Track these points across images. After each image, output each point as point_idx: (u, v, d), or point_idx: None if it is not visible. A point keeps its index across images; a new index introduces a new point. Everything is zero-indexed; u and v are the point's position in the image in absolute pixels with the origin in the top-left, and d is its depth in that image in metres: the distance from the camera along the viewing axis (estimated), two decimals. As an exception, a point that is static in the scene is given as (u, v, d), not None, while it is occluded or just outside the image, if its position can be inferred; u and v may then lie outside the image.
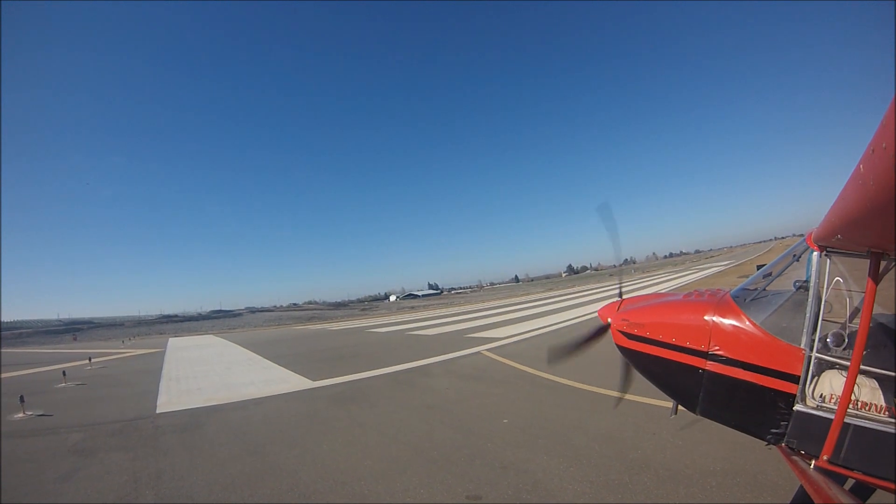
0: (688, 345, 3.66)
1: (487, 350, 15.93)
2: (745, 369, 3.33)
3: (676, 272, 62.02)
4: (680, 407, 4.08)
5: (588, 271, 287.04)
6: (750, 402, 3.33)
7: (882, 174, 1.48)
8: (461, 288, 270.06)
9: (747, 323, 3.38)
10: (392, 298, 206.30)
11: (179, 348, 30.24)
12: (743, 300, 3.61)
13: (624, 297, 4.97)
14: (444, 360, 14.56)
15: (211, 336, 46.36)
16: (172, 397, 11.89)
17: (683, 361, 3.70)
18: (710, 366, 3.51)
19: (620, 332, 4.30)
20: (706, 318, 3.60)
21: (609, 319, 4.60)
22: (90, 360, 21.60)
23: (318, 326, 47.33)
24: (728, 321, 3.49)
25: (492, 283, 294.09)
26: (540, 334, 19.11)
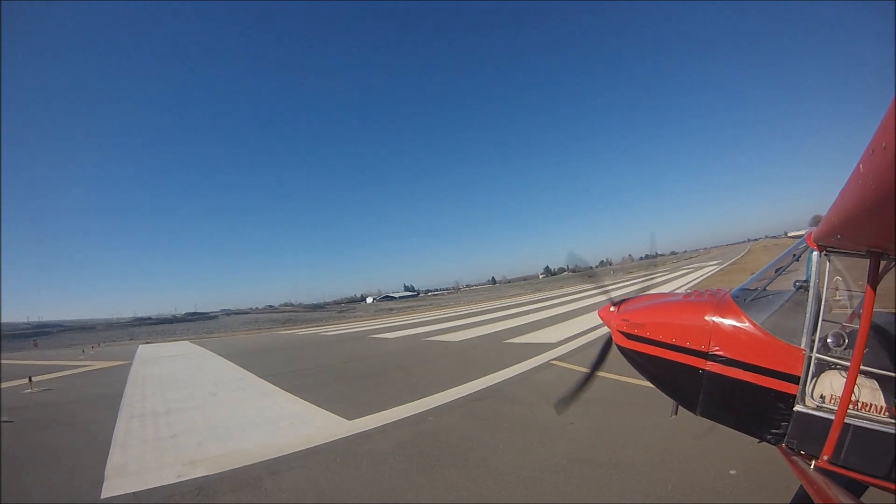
0: (688, 345, 3.56)
1: (555, 359, 12.78)
2: (745, 370, 3.25)
3: (660, 274, 59.27)
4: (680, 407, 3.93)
5: (565, 273, 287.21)
6: (750, 403, 3.25)
7: (882, 174, 1.45)
8: (437, 290, 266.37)
9: (747, 323, 3.30)
10: (369, 300, 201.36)
11: (150, 360, 25.13)
12: (743, 300, 3.51)
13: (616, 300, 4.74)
14: (514, 377, 11.23)
15: (186, 343, 41.01)
16: (130, 461, 7.42)
17: (683, 362, 3.59)
18: (711, 366, 3.42)
19: (621, 332, 4.20)
20: (706, 318, 3.50)
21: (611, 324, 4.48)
22: (30, 379, 16.26)
23: (308, 331, 42.68)
24: (728, 321, 3.40)
25: (468, 285, 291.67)
26: (595, 336, 15.56)
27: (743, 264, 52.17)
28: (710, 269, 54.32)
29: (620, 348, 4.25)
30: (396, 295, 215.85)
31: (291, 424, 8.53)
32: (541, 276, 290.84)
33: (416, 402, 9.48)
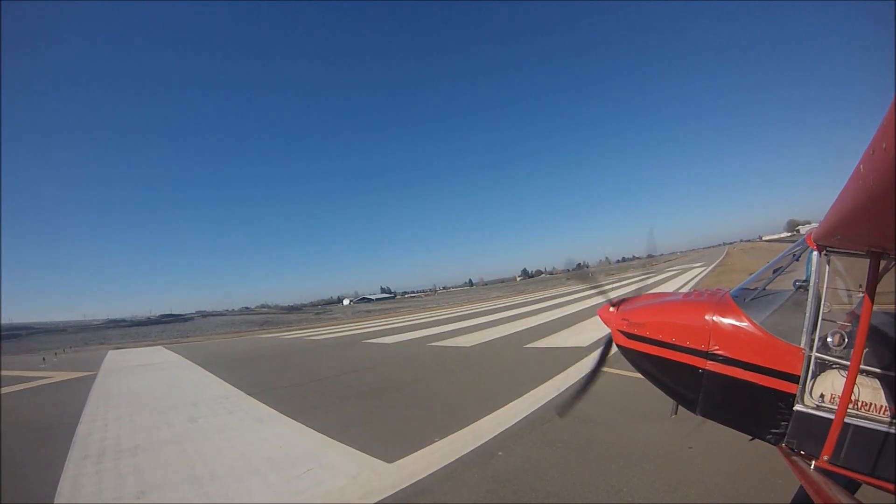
0: (688, 344, 3.53)
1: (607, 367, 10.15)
2: (744, 369, 3.22)
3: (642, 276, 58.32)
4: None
5: (543, 275, 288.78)
6: (750, 402, 3.23)
7: (882, 174, 1.46)
8: (414, 292, 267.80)
9: (747, 323, 3.28)
10: (346, 302, 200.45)
11: (118, 371, 22.07)
12: (743, 300, 3.50)
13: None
14: (568, 389, 9.20)
15: (160, 349, 37.61)
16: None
17: (683, 361, 3.56)
18: (710, 365, 3.39)
19: (621, 331, 4.17)
20: (706, 317, 3.48)
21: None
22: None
23: (292, 335, 39.73)
24: (728, 321, 3.37)
25: (445, 287, 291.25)
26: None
27: (729, 266, 51.60)
28: (696, 270, 53.41)
29: (620, 348, 4.22)
30: (373, 297, 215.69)
31: (309, 472, 6.00)
32: (518, 279, 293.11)
33: (465, 429, 7.40)
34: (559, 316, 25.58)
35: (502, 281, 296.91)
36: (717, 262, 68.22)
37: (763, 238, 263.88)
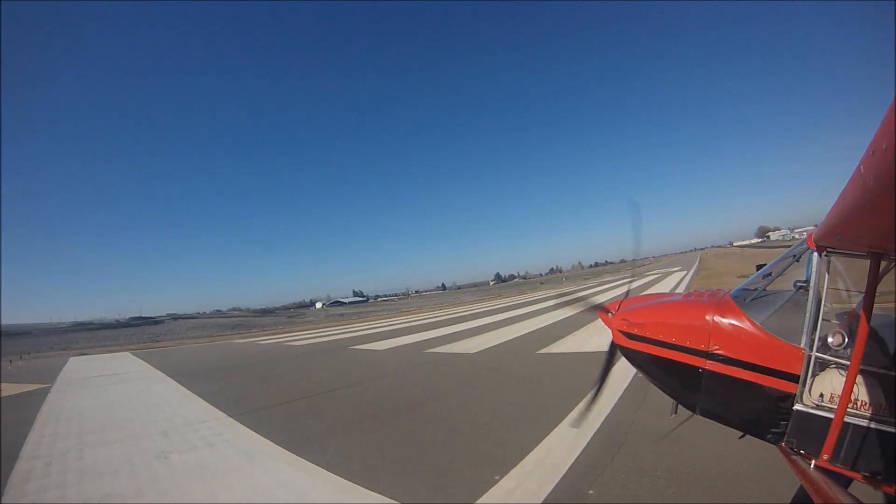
0: (688, 344, 3.52)
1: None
2: (745, 369, 3.22)
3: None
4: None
5: (516, 279, 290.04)
6: (750, 402, 3.23)
7: (882, 175, 1.45)
8: (387, 295, 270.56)
9: (747, 323, 3.29)
10: (318, 305, 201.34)
11: (77, 383, 19.29)
12: (743, 300, 3.52)
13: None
14: (623, 404, 8.10)
15: (127, 356, 34.45)
16: None
17: (683, 361, 3.55)
18: (711, 365, 3.39)
19: (621, 332, 4.14)
20: (706, 317, 3.48)
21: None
22: None
23: (270, 340, 37.28)
24: (728, 321, 3.38)
25: (418, 291, 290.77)
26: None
27: (712, 269, 51.52)
28: (678, 274, 53.24)
29: (620, 348, 4.18)
30: (346, 300, 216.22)
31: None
32: (491, 283, 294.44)
33: (526, 458, 5.90)
34: (562, 318, 24.12)
35: (475, 285, 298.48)
36: (696, 266, 68.49)
37: (734, 244, 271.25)
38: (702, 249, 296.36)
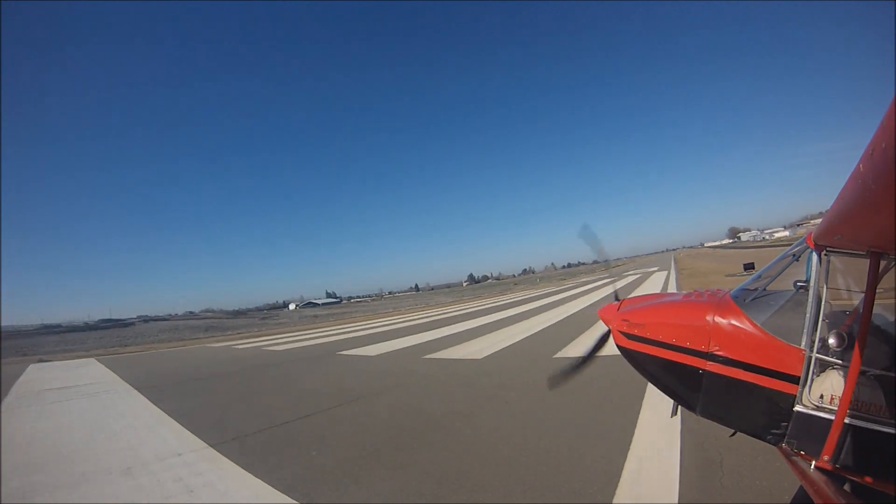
0: (688, 345, 3.49)
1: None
2: (745, 370, 3.19)
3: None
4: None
5: (489, 280, 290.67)
6: (750, 403, 3.19)
7: (882, 174, 1.43)
8: (360, 297, 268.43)
9: (747, 323, 3.26)
10: (292, 307, 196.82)
11: (31, 398, 16.72)
12: (743, 300, 3.49)
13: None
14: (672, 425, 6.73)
15: (93, 363, 31.55)
16: None
17: (683, 362, 3.51)
18: (711, 366, 3.35)
19: (621, 332, 4.13)
20: (706, 318, 3.44)
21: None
22: None
23: (247, 344, 35.19)
24: (728, 321, 3.34)
25: (391, 293, 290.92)
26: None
27: (695, 269, 51.64)
28: (659, 274, 53.14)
29: (620, 348, 4.16)
30: (319, 301, 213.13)
31: None
32: (465, 284, 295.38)
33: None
34: (562, 318, 22.85)
35: (448, 286, 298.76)
36: (673, 266, 68.82)
37: (705, 245, 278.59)
38: (674, 250, 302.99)
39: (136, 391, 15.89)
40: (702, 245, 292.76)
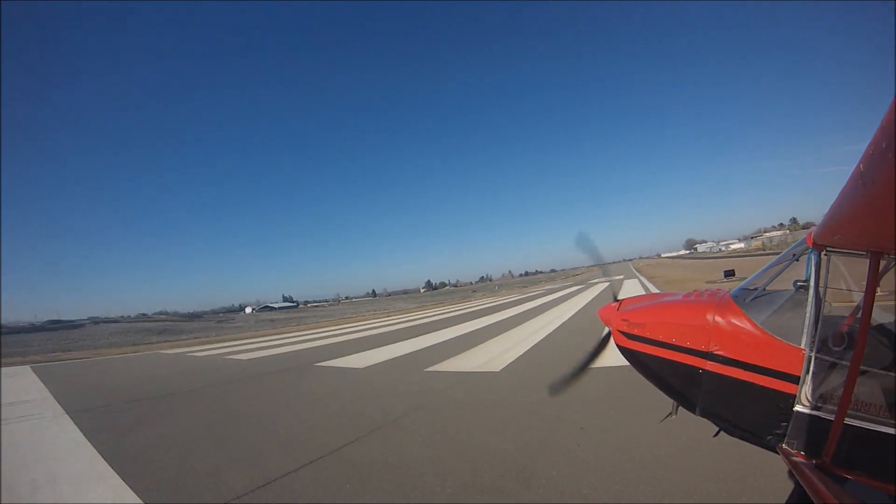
0: (688, 345, 3.43)
1: None
2: (744, 369, 3.14)
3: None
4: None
5: (448, 287, 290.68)
6: (749, 403, 3.13)
7: (882, 174, 1.42)
8: (317, 301, 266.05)
9: (747, 323, 3.21)
10: (248, 310, 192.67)
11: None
12: (743, 300, 3.44)
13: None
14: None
15: (27, 372, 26.97)
16: None
17: (683, 361, 3.45)
18: (710, 366, 3.30)
19: (621, 332, 4.05)
20: (706, 318, 3.39)
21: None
22: None
23: (206, 352, 31.70)
24: (728, 321, 3.29)
25: (348, 297, 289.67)
26: None
27: (662, 277, 51.93)
28: (628, 281, 52.66)
29: (620, 348, 4.11)
30: (276, 305, 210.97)
31: None
32: (422, 291, 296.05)
33: None
34: (560, 323, 21.04)
35: (406, 292, 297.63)
36: (638, 274, 68.91)
37: (661, 255, 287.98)
38: (630, 260, 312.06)
39: (67, 417, 12.27)
40: (659, 256, 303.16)
